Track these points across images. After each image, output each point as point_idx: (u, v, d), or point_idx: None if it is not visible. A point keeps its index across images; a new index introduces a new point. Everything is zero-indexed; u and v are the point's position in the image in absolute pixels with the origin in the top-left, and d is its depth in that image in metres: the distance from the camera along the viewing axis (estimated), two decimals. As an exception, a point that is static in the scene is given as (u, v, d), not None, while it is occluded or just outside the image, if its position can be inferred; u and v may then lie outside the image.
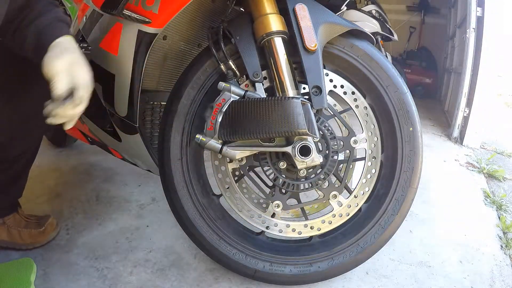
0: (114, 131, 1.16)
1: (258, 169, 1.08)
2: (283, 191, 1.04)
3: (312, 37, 0.91)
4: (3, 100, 0.92)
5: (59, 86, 0.73)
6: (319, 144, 0.98)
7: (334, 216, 1.04)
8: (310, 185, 1.00)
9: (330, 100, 1.01)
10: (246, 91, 0.93)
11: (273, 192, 1.05)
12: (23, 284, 0.97)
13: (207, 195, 1.08)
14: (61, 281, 1.06)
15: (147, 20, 0.93)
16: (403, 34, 5.01)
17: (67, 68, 0.75)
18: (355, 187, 1.05)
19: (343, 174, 1.05)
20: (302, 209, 1.10)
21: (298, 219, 1.10)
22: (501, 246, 1.36)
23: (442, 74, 4.77)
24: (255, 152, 0.96)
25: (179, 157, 1.03)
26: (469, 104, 2.65)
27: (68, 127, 0.79)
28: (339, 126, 1.15)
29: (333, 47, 0.99)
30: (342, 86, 1.01)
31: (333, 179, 1.05)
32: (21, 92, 0.95)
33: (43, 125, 0.82)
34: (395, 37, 3.24)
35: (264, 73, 0.96)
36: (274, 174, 1.00)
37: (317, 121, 0.95)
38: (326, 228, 1.05)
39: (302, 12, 0.91)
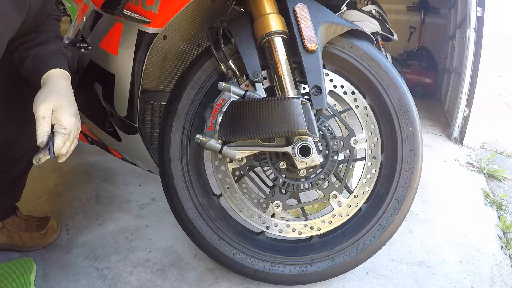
0: (114, 131, 1.16)
1: (258, 169, 1.08)
2: (283, 191, 1.04)
3: (312, 37, 0.90)
4: (1, 106, 0.93)
5: (39, 134, 0.75)
6: (319, 144, 0.98)
7: (334, 216, 1.04)
8: (310, 185, 1.00)
9: (330, 100, 1.01)
10: (246, 91, 0.93)
11: (273, 192, 1.05)
12: (23, 284, 0.97)
13: (207, 195, 1.08)
14: (61, 281, 1.06)
15: (147, 20, 0.93)
16: (403, 34, 5.01)
17: (49, 115, 0.77)
18: (355, 187, 1.05)
19: (343, 174, 1.05)
20: (302, 209, 1.11)
21: (298, 219, 1.10)
22: (501, 246, 1.36)
23: (442, 74, 4.76)
24: (255, 152, 0.96)
25: (179, 157, 1.03)
26: (469, 104, 2.65)
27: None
28: (339, 126, 1.15)
29: (333, 47, 0.99)
30: (342, 86, 1.00)
31: (333, 179, 1.05)
32: (19, 99, 0.97)
33: None
34: (395, 37, 3.24)
35: (264, 73, 0.96)
36: (274, 174, 1.00)
37: (317, 121, 0.95)
38: (326, 228, 1.05)
39: (302, 12, 0.91)
